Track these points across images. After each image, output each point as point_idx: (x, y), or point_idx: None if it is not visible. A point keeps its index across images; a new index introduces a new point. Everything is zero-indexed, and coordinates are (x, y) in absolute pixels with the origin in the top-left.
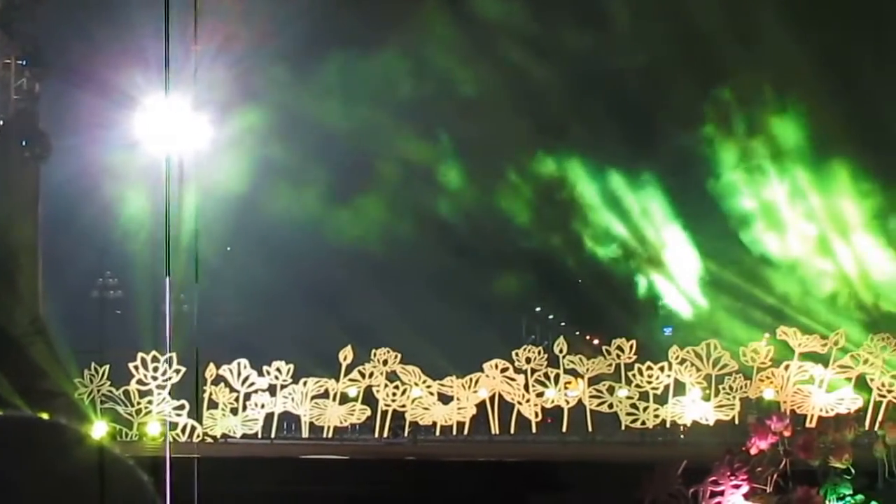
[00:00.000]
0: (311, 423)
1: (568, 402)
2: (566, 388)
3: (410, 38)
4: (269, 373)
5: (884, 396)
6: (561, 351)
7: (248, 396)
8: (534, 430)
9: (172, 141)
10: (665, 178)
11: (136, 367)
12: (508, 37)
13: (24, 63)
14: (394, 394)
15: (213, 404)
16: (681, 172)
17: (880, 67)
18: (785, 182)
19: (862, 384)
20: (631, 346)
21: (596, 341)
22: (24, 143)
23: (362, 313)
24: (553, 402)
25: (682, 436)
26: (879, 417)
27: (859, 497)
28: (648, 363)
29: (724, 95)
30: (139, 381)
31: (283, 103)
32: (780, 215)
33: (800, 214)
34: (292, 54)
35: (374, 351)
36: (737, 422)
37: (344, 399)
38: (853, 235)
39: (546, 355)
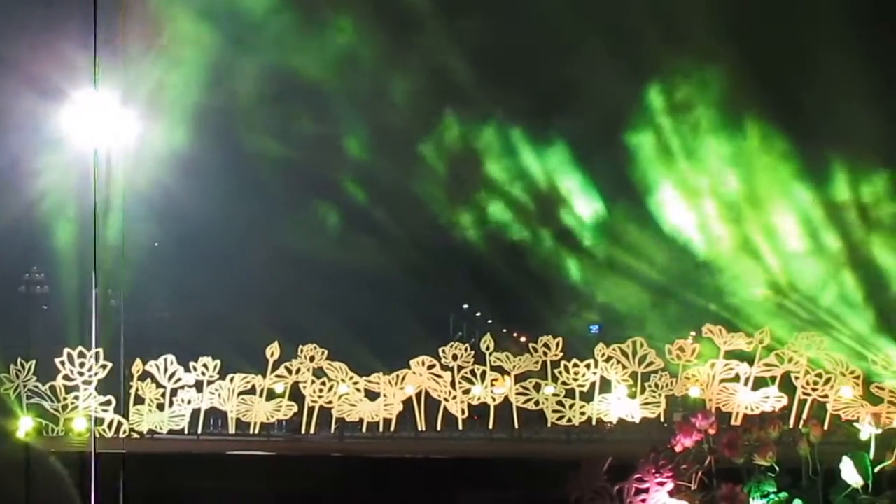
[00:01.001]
0: (238, 420)
1: (494, 400)
2: (493, 385)
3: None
4: (195, 369)
5: (808, 395)
6: (488, 348)
7: (174, 392)
8: (460, 426)
9: (100, 135)
10: (587, 161)
11: (63, 363)
12: None
13: None
14: (320, 390)
15: (139, 400)
16: (598, 150)
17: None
18: (708, 167)
19: (787, 382)
20: (557, 344)
21: (523, 339)
22: None
23: (289, 309)
24: (480, 399)
25: (607, 433)
26: (804, 415)
27: (783, 495)
28: (575, 360)
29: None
30: (65, 377)
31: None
32: (704, 205)
33: (725, 203)
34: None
35: (301, 347)
36: (663, 419)
37: (271, 395)
38: (779, 230)
39: (473, 352)
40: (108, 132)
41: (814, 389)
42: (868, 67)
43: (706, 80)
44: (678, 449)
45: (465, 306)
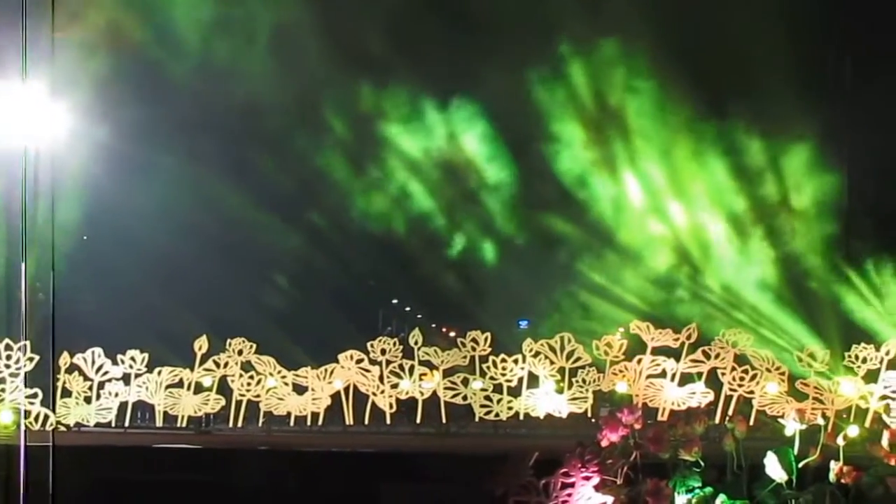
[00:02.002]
0: (166, 413)
1: (422, 394)
2: (421, 379)
3: None
4: (123, 362)
5: (734, 391)
6: (416, 343)
7: (102, 385)
8: (388, 421)
9: (29, 128)
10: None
11: None
12: None
13: None
14: (248, 384)
15: (66, 393)
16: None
17: None
18: (634, 155)
19: (714, 378)
20: (486, 339)
21: (452, 333)
22: None
23: (218, 303)
24: (408, 393)
25: (534, 428)
26: (730, 411)
27: (708, 489)
28: (503, 355)
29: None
30: None
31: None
32: (625, 190)
33: (646, 186)
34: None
35: (229, 341)
36: (590, 414)
37: (199, 388)
38: (707, 224)
39: (401, 347)
40: (38, 125)
41: (740, 385)
42: (788, 40)
43: (624, 51)
44: (604, 444)
45: (395, 301)
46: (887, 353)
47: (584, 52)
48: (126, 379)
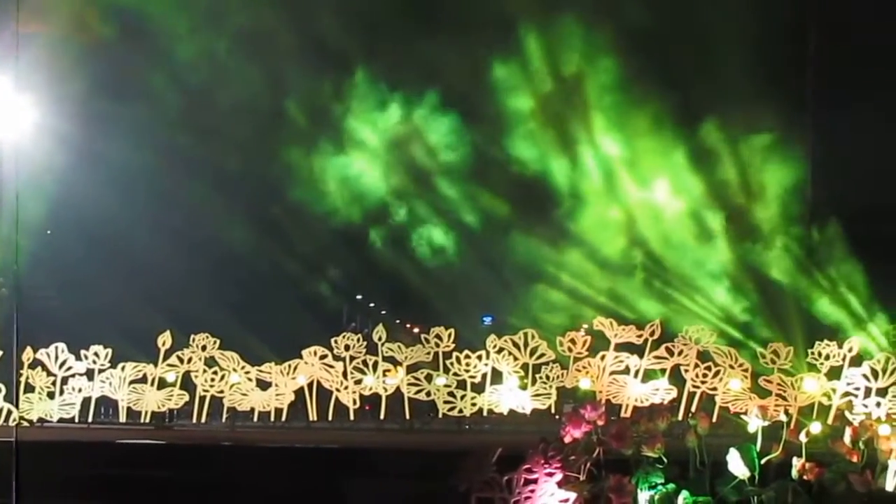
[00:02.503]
0: (129, 408)
1: (386, 390)
2: (385, 375)
3: None
4: (86, 357)
5: (697, 387)
6: (380, 339)
7: (65, 380)
8: (352, 417)
9: None
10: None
11: None
12: None
13: None
14: (212, 379)
15: (30, 388)
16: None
17: None
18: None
19: (677, 375)
20: (449, 335)
21: (416, 330)
22: None
23: (182, 298)
24: (371, 389)
25: (498, 424)
26: (693, 408)
27: (671, 486)
28: (466, 351)
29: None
30: None
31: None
32: (592, 189)
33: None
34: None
35: (192, 336)
36: (553, 411)
37: (162, 384)
38: (669, 219)
39: (365, 343)
40: (1, 119)
41: (703, 382)
42: (754, 31)
43: (585, 39)
44: (567, 440)
45: (359, 297)
46: (850, 351)
47: (544, 34)
48: (90, 374)
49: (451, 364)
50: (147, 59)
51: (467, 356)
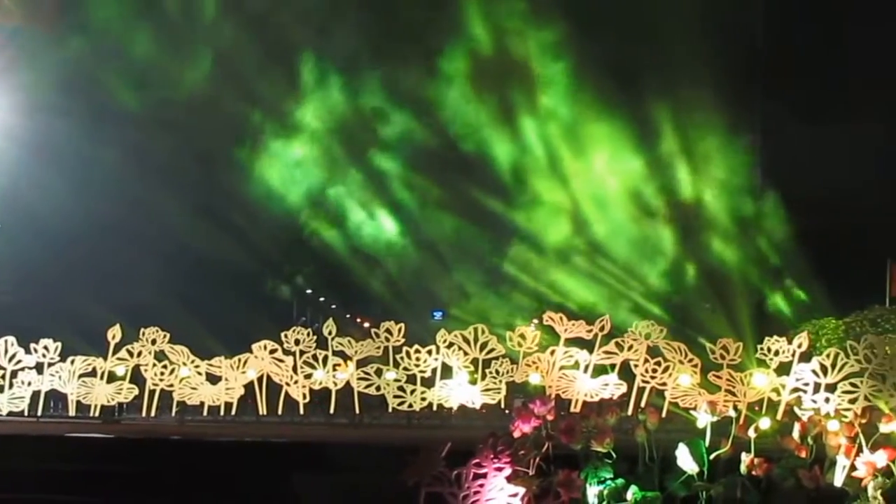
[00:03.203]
0: (79, 402)
1: (336, 384)
2: (335, 370)
3: None
4: (36, 350)
5: (647, 382)
6: (330, 333)
7: (14, 374)
8: (301, 411)
9: None
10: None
11: None
12: None
13: None
14: (162, 373)
15: None
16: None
17: None
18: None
19: (626, 370)
20: (400, 329)
21: (366, 324)
22: None
23: (132, 292)
24: (321, 383)
25: (448, 419)
26: (642, 403)
27: (620, 481)
28: (416, 346)
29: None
30: None
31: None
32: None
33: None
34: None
35: (142, 330)
36: (503, 406)
37: (112, 378)
38: (615, 207)
39: (315, 337)
40: None
41: (652, 377)
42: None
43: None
44: (517, 435)
45: (309, 291)
46: (799, 346)
47: (489, 18)
48: (39, 368)
49: (401, 359)
50: (95, 53)
51: (417, 351)
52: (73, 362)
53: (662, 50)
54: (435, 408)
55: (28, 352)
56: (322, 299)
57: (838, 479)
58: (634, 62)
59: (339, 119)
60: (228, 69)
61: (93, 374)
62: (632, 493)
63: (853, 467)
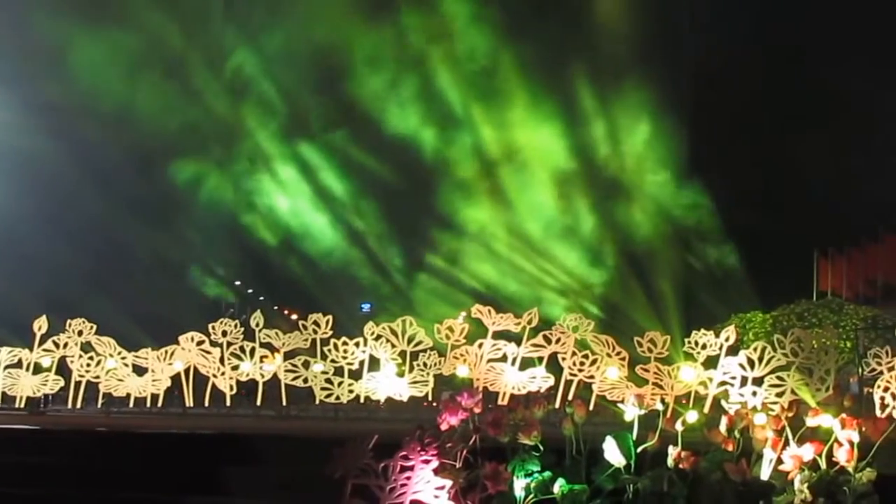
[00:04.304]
0: (4, 393)
1: (263, 376)
2: (262, 361)
3: None
4: None
5: (575, 375)
6: (257, 325)
7: None
8: (228, 402)
9: None
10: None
11: None
12: None
13: None
14: (88, 364)
15: None
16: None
17: None
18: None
19: (554, 363)
20: (327, 322)
21: (294, 316)
22: None
23: (58, 283)
24: (248, 375)
25: (375, 411)
26: (570, 396)
27: (547, 473)
28: (344, 338)
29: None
30: None
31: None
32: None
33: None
34: None
35: (69, 321)
36: (430, 398)
37: (37, 369)
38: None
39: (243, 329)
40: None
41: (580, 370)
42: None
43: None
44: (444, 427)
45: (237, 283)
46: (727, 340)
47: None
48: None
49: (329, 351)
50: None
51: (345, 343)
52: None
53: (591, 36)
54: (362, 400)
55: None
56: (250, 291)
57: (765, 473)
58: (563, 47)
59: (267, 108)
60: (155, 56)
61: (18, 365)
62: (559, 485)
63: (780, 461)
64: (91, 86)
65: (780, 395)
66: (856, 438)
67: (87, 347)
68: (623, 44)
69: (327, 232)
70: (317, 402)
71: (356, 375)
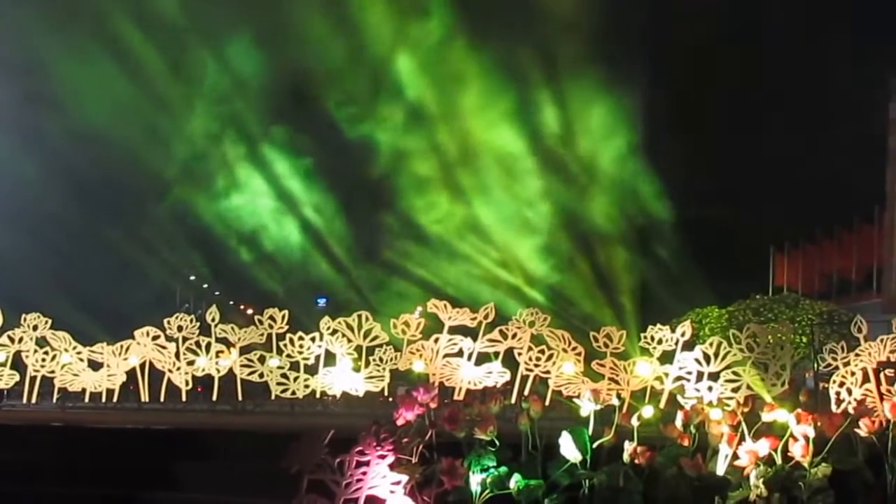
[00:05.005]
0: None
1: (219, 371)
2: (218, 356)
3: None
4: None
5: (531, 370)
6: (213, 320)
7: None
8: (184, 398)
9: None
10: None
11: None
12: None
13: None
14: (43, 359)
15: None
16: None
17: None
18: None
19: (511, 358)
20: (283, 317)
21: (249, 311)
22: None
23: (13, 278)
24: (204, 370)
25: (331, 406)
26: (526, 391)
27: (503, 469)
28: (300, 333)
29: None
30: None
31: None
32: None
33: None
34: None
35: (24, 316)
36: (386, 393)
37: None
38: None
39: (198, 324)
40: None
41: (536, 365)
42: None
43: None
44: (400, 422)
45: (192, 278)
46: (683, 335)
47: None
48: None
49: (285, 346)
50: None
51: (301, 338)
52: None
53: (545, 26)
54: (318, 395)
55: None
56: (205, 286)
57: (721, 468)
58: (517, 38)
59: (225, 106)
60: (111, 50)
61: None
62: (515, 481)
63: (735, 456)
64: (46, 74)
65: (735, 390)
66: (811, 434)
67: (42, 342)
68: (578, 35)
69: (283, 227)
70: (272, 397)
71: (312, 370)
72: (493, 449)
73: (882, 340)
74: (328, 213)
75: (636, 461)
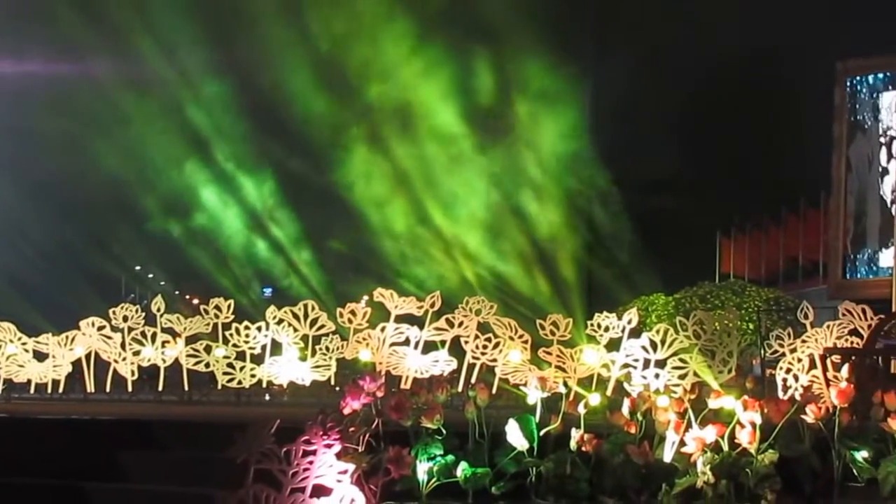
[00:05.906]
0: None
1: (165, 361)
2: (163, 346)
3: None
4: None
5: (477, 359)
6: (159, 310)
7: None
8: (129, 388)
9: None
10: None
11: None
12: None
13: None
14: None
15: None
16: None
17: None
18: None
19: (457, 347)
20: (229, 306)
21: (195, 301)
22: None
23: None
24: (150, 360)
25: (277, 395)
26: (472, 379)
27: (450, 457)
28: (246, 323)
29: None
30: None
31: None
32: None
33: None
34: None
35: None
36: (333, 382)
37: None
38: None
39: (144, 314)
40: None
41: (483, 353)
42: None
43: None
44: (347, 411)
45: (138, 268)
46: (629, 322)
47: None
48: None
49: (231, 335)
50: None
51: (247, 327)
52: None
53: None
54: (265, 384)
55: None
56: (151, 276)
57: (668, 455)
58: (458, 13)
59: (170, 93)
60: (63, 39)
61: None
62: (462, 469)
63: (682, 443)
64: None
65: (682, 377)
66: (758, 420)
67: None
68: (526, 12)
69: (227, 215)
70: (219, 386)
71: (258, 360)
72: (439, 437)
73: (828, 326)
74: (273, 201)
75: (583, 449)
